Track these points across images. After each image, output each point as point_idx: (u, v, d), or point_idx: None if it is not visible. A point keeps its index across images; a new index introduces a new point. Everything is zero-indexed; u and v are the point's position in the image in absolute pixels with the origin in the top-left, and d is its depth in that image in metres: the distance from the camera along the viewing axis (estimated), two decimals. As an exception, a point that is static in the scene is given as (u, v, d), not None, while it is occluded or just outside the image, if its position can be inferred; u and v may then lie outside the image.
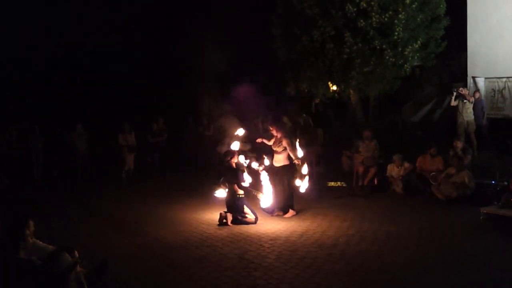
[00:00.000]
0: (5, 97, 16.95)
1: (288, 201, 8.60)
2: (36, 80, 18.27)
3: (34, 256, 4.89)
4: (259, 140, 8.99)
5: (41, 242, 5.26)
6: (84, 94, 18.44)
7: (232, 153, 8.35)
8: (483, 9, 13.63)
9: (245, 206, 8.11)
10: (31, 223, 5.14)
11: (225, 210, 8.13)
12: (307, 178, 8.60)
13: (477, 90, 12.76)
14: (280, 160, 8.70)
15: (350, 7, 12.74)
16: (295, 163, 8.57)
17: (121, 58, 18.77)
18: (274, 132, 8.76)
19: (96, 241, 7.15)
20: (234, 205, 8.05)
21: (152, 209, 9.30)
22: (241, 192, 8.14)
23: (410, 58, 13.14)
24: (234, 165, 8.30)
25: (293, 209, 8.58)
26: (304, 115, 14.90)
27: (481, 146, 11.84)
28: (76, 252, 4.63)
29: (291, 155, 8.59)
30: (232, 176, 8.19)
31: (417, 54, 13.30)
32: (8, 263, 4.71)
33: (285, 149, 8.62)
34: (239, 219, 7.94)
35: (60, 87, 18.42)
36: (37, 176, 13.39)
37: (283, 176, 8.61)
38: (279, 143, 8.67)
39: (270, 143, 8.88)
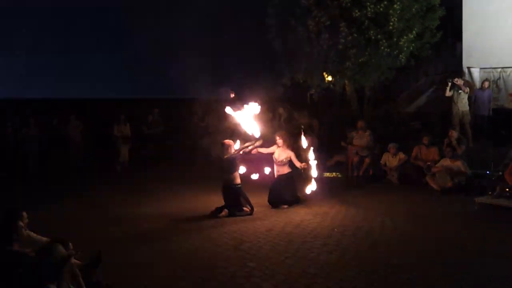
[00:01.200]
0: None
1: (294, 199, 8.66)
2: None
3: (28, 248, 4.88)
4: (255, 151, 8.76)
5: (35, 234, 5.24)
6: (79, 86, 18.34)
7: (227, 145, 8.31)
8: (478, -1, 13.62)
9: (241, 198, 8.10)
10: (25, 215, 5.13)
11: (220, 206, 8.10)
12: (313, 181, 8.65)
13: (486, 79, 12.63)
14: (283, 169, 8.76)
15: (345, -3, 12.68)
16: (301, 168, 8.64)
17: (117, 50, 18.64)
18: (281, 143, 8.78)
19: (91, 232, 7.13)
20: (230, 196, 8.02)
21: (147, 201, 9.28)
22: (238, 181, 8.12)
23: (405, 49, 13.10)
24: (229, 156, 8.24)
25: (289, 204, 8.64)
26: (288, 107, 14.87)
27: (476, 136, 11.87)
28: (70, 244, 4.61)
29: (296, 164, 8.67)
30: (229, 166, 8.15)
31: (412, 45, 13.27)
32: (2, 255, 4.69)
33: (287, 160, 8.70)
34: (236, 214, 7.92)
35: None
36: (32, 168, 13.33)
37: (289, 180, 8.71)
38: (282, 155, 8.72)
39: (268, 151, 8.87)
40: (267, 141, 9.01)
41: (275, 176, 8.82)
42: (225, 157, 8.20)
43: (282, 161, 8.71)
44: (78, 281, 4.40)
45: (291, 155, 8.73)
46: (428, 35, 13.78)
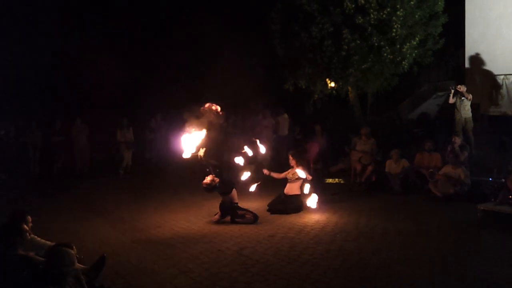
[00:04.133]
0: (2, 92, 16.93)
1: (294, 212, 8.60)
2: (34, 75, 18.23)
3: (32, 252, 4.90)
4: (266, 172, 8.86)
5: (39, 238, 5.26)
6: (82, 89, 18.41)
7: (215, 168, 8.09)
8: (480, 6, 13.65)
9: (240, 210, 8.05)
10: (29, 219, 5.15)
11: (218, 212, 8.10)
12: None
13: None
14: (293, 189, 8.75)
15: (349, 4, 12.74)
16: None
17: (120, 54, 18.75)
18: (293, 164, 8.80)
19: (94, 237, 7.16)
20: (230, 211, 8.00)
21: (150, 205, 9.30)
22: (234, 200, 8.06)
23: (408, 55, 13.15)
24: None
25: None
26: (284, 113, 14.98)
27: (479, 143, 11.87)
28: (74, 248, 4.63)
29: (306, 174, 8.69)
30: (226, 187, 8.06)
31: (415, 51, 13.31)
32: (6, 259, 4.71)
33: (299, 178, 8.71)
34: (237, 221, 7.88)
35: (58, 82, 18.41)
36: (34, 172, 13.37)
37: (295, 199, 8.66)
38: (293, 173, 8.76)
39: (281, 176, 8.94)
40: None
41: (284, 191, 8.82)
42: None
43: (291, 179, 8.77)
44: (82, 285, 4.42)
45: (301, 169, 8.75)
46: (430, 42, 13.84)
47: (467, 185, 9.27)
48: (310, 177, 8.76)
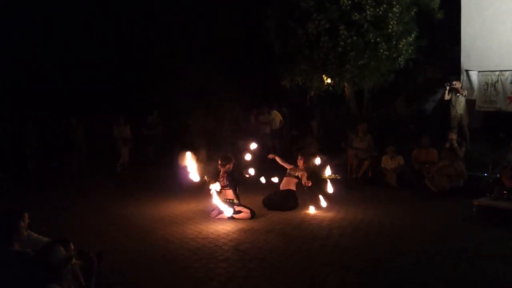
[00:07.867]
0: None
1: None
2: (30, 73, 18.17)
3: (28, 249, 4.90)
4: (271, 156, 9.08)
5: (36, 235, 5.26)
6: (79, 87, 18.36)
7: (228, 159, 8.30)
8: (477, 2, 13.65)
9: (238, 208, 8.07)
10: (26, 215, 5.14)
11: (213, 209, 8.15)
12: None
13: None
14: (289, 184, 8.79)
15: (345, 0, 12.73)
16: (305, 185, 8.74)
17: (116, 50, 18.70)
18: (300, 165, 8.90)
19: (91, 233, 7.16)
20: (227, 207, 8.01)
21: (147, 202, 9.32)
22: (235, 200, 8.10)
23: (404, 52, 13.17)
24: (228, 171, 8.22)
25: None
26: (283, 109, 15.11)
27: (474, 139, 11.92)
28: (71, 244, 4.64)
29: (303, 181, 8.73)
30: (228, 182, 8.15)
31: (411, 48, 13.34)
32: (2, 256, 4.72)
33: (295, 177, 8.79)
34: (234, 217, 7.90)
35: (54, 80, 18.34)
36: (31, 169, 13.37)
37: (290, 196, 8.68)
38: (294, 171, 8.86)
39: (285, 165, 9.08)
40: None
41: (279, 187, 8.86)
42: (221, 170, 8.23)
43: (290, 174, 8.84)
44: (79, 281, 4.43)
45: (304, 175, 8.77)
46: (427, 38, 13.84)
47: (463, 179, 9.34)
48: (309, 183, 8.72)
